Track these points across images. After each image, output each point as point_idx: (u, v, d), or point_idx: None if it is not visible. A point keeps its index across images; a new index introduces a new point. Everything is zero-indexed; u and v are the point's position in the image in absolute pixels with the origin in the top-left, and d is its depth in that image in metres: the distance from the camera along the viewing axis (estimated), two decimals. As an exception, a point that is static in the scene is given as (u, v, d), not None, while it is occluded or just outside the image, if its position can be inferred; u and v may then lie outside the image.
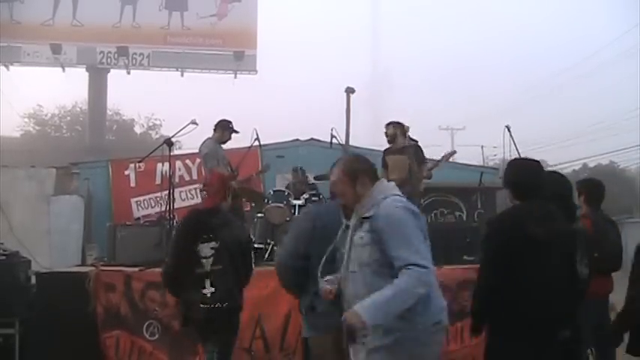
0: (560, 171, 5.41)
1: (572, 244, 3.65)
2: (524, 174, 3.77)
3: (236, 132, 7.87)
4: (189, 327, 4.74)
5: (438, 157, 7.86)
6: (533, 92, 53.00)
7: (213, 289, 4.47)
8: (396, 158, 7.46)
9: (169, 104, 39.98)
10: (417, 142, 7.63)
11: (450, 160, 8.72)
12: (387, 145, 7.84)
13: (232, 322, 4.66)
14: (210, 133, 7.81)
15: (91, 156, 16.47)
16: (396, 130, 7.66)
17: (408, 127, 7.60)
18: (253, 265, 4.93)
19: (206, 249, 4.52)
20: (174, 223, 6.97)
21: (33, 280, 6.50)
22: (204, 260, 4.51)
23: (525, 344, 3.45)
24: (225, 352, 4.66)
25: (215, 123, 7.80)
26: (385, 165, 7.60)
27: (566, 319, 3.54)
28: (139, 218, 10.10)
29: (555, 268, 3.55)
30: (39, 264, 7.18)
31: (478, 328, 3.76)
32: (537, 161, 3.93)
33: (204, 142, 7.73)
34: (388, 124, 7.74)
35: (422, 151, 7.65)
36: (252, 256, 4.93)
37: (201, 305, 4.48)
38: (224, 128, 7.74)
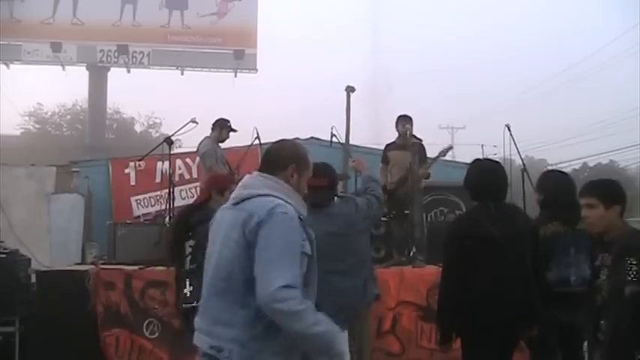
0: (562, 170, 5.40)
1: (527, 244, 3.65)
2: (482, 175, 3.81)
3: (234, 131, 7.87)
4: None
5: (435, 155, 7.81)
6: (534, 91, 53.05)
7: (192, 288, 4.38)
8: (398, 154, 7.36)
9: (169, 103, 39.96)
10: (421, 140, 7.57)
11: (449, 158, 8.70)
12: (383, 145, 7.76)
13: None
14: (209, 133, 7.81)
15: (91, 154, 16.46)
16: (411, 127, 7.53)
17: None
18: None
19: (187, 247, 4.50)
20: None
21: (33, 278, 6.50)
22: (186, 259, 4.49)
23: (489, 350, 3.44)
24: None
25: (213, 122, 7.80)
26: (386, 160, 7.49)
27: (524, 320, 3.53)
28: (138, 217, 10.12)
29: (511, 268, 3.53)
30: (39, 262, 7.19)
31: (445, 338, 3.67)
32: (497, 162, 3.96)
33: (202, 141, 7.73)
34: (405, 118, 7.53)
35: (425, 150, 7.60)
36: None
37: (183, 305, 4.46)
38: (222, 127, 7.74)
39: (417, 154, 7.18)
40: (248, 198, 2.74)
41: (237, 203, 2.77)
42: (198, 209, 4.64)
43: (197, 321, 2.79)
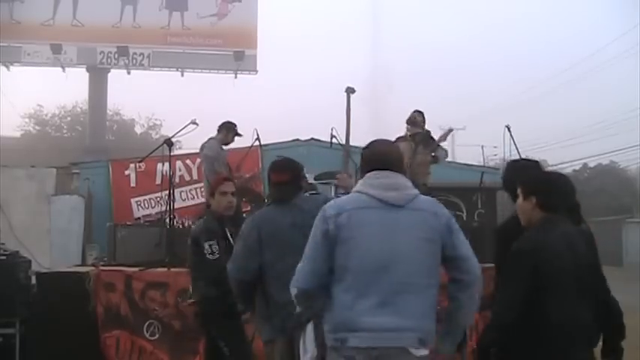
0: (560, 171, 5.40)
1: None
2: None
3: (240, 135, 7.84)
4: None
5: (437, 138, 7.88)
6: (534, 91, 53.07)
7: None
8: (403, 145, 7.39)
9: (169, 104, 39.96)
10: (429, 132, 7.75)
11: (450, 159, 8.71)
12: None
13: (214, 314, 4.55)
14: (210, 133, 7.78)
15: (91, 156, 16.47)
16: (418, 117, 7.73)
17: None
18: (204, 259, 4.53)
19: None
20: (174, 223, 7.01)
21: (33, 279, 6.50)
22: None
23: None
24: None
25: (220, 124, 7.73)
26: None
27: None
28: (139, 218, 10.11)
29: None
30: (39, 264, 7.20)
31: None
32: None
33: (207, 141, 7.67)
34: (418, 113, 7.75)
35: (430, 136, 7.73)
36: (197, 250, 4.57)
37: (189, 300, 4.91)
38: (229, 130, 7.69)
39: (420, 143, 7.28)
40: (413, 198, 3.00)
41: (405, 204, 2.97)
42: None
43: (379, 321, 2.85)
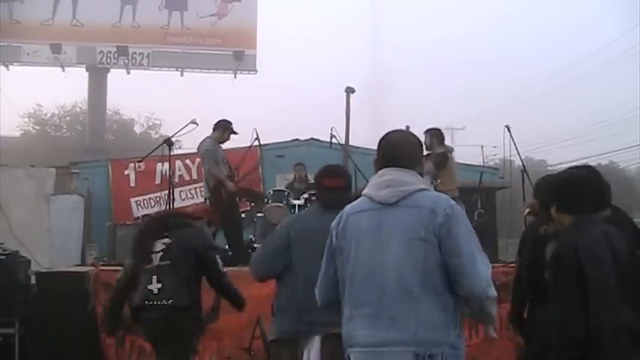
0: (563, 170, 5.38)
1: None
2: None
3: (235, 133, 7.88)
4: (140, 329, 4.59)
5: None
6: (534, 91, 53.01)
7: (160, 285, 4.22)
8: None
9: (169, 104, 39.95)
10: (452, 149, 7.80)
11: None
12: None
13: (180, 325, 4.23)
14: (209, 133, 7.81)
15: (91, 156, 16.46)
16: (432, 139, 7.71)
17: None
18: (222, 270, 4.52)
19: (159, 244, 4.36)
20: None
21: (33, 279, 6.50)
22: (155, 255, 4.34)
23: None
24: None
25: (215, 122, 7.80)
26: None
27: None
28: (138, 218, 10.12)
29: None
30: (39, 264, 7.20)
31: None
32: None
33: (203, 140, 7.74)
34: (425, 132, 7.77)
35: (440, 134, 7.78)
36: (218, 261, 4.50)
37: (146, 302, 4.24)
38: (224, 128, 7.75)
39: (433, 163, 7.34)
40: (409, 194, 2.70)
41: (397, 202, 2.70)
42: (180, 217, 4.69)
43: (370, 335, 2.61)
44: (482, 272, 2.60)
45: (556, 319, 2.86)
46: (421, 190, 2.73)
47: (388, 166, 2.80)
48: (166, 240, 4.37)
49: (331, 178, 3.85)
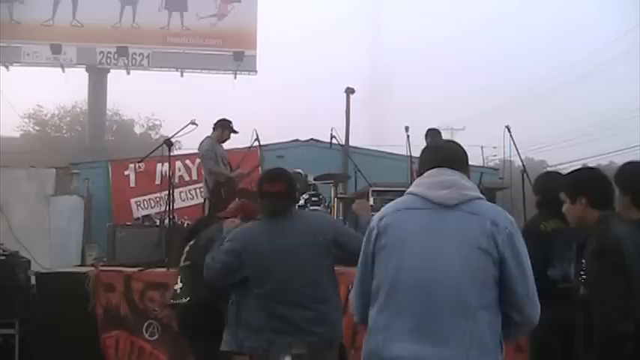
0: (560, 171, 5.37)
1: None
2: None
3: (235, 132, 7.88)
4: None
5: None
6: (533, 92, 53.02)
7: (181, 285, 4.42)
8: None
9: (169, 104, 39.99)
10: None
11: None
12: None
13: (198, 323, 4.32)
14: (209, 133, 7.81)
15: (91, 156, 16.44)
16: (432, 139, 7.78)
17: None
18: None
19: (187, 247, 4.56)
20: (173, 224, 7.01)
21: (33, 280, 6.50)
22: (181, 257, 4.56)
23: None
24: None
25: (215, 122, 7.81)
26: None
27: None
28: (138, 218, 10.11)
29: None
30: (39, 264, 7.19)
31: None
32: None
33: (203, 140, 7.74)
34: (432, 132, 7.90)
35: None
36: None
37: (172, 301, 4.53)
38: (224, 127, 7.75)
39: None
40: (470, 200, 2.46)
41: (457, 205, 2.44)
42: (208, 219, 4.90)
43: (415, 349, 2.31)
44: (537, 300, 2.44)
45: (609, 313, 2.78)
46: (480, 198, 2.49)
47: (441, 167, 2.54)
48: (191, 242, 4.54)
49: (270, 182, 3.62)
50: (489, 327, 2.32)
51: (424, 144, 7.83)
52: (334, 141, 8.04)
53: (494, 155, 23.75)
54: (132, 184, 11.56)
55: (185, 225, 8.38)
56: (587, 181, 3.22)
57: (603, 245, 2.90)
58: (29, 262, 6.79)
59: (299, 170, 8.91)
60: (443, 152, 2.63)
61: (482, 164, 19.04)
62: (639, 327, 2.75)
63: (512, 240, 2.38)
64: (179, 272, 4.54)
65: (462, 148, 2.73)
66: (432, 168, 2.55)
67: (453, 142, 2.86)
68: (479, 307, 2.31)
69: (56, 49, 19.27)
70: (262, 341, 3.45)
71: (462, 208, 2.42)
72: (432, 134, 7.88)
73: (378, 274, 2.47)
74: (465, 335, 2.27)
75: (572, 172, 3.51)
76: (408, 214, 2.49)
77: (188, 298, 4.34)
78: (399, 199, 2.60)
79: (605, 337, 2.78)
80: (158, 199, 10.51)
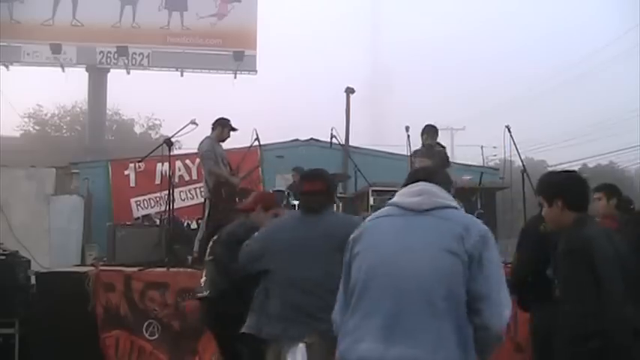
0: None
1: None
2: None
3: (234, 130, 7.86)
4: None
5: None
6: (533, 92, 53.03)
7: (205, 279, 4.70)
8: (422, 162, 7.47)
9: (169, 104, 39.96)
10: (444, 147, 7.83)
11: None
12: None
13: (215, 314, 4.57)
14: (209, 133, 7.80)
15: (91, 156, 16.45)
16: (430, 136, 7.91)
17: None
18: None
19: (210, 243, 4.83)
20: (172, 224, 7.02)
21: (33, 279, 6.51)
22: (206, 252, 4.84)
23: None
24: (226, 351, 4.68)
25: (213, 121, 7.79)
26: (413, 167, 7.64)
27: None
28: (138, 218, 10.12)
29: None
30: (39, 264, 7.19)
31: None
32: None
33: (202, 140, 7.72)
34: (428, 128, 7.93)
35: (447, 158, 7.82)
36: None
37: (198, 294, 4.78)
38: (223, 126, 7.73)
39: (439, 160, 7.40)
40: (442, 207, 2.51)
41: (429, 210, 2.50)
42: (230, 214, 5.17)
43: (381, 349, 2.33)
44: (504, 306, 2.43)
45: (573, 312, 2.84)
46: (455, 207, 2.55)
47: (419, 181, 2.63)
48: (215, 237, 4.80)
49: (309, 182, 3.83)
50: (457, 328, 2.34)
51: (422, 143, 7.88)
52: (334, 141, 8.04)
53: (495, 155, 23.73)
54: (132, 184, 11.57)
55: (185, 225, 8.40)
56: (563, 184, 3.25)
57: (571, 246, 2.97)
58: (29, 261, 6.79)
59: (298, 167, 8.89)
60: (423, 171, 2.83)
61: (482, 164, 19.02)
62: (613, 326, 2.78)
63: (482, 245, 2.42)
64: (204, 266, 4.78)
65: (444, 172, 2.85)
66: (411, 183, 2.65)
67: (436, 168, 3.22)
68: (447, 307, 2.34)
69: (56, 49, 19.26)
70: (277, 328, 3.52)
71: (434, 214, 2.49)
72: (429, 130, 7.86)
73: (352, 279, 2.53)
74: (432, 335, 2.31)
75: (547, 174, 3.54)
76: (381, 221, 2.58)
77: (209, 291, 4.59)
78: (378, 211, 2.70)
79: (568, 336, 2.84)
80: (158, 199, 10.51)
